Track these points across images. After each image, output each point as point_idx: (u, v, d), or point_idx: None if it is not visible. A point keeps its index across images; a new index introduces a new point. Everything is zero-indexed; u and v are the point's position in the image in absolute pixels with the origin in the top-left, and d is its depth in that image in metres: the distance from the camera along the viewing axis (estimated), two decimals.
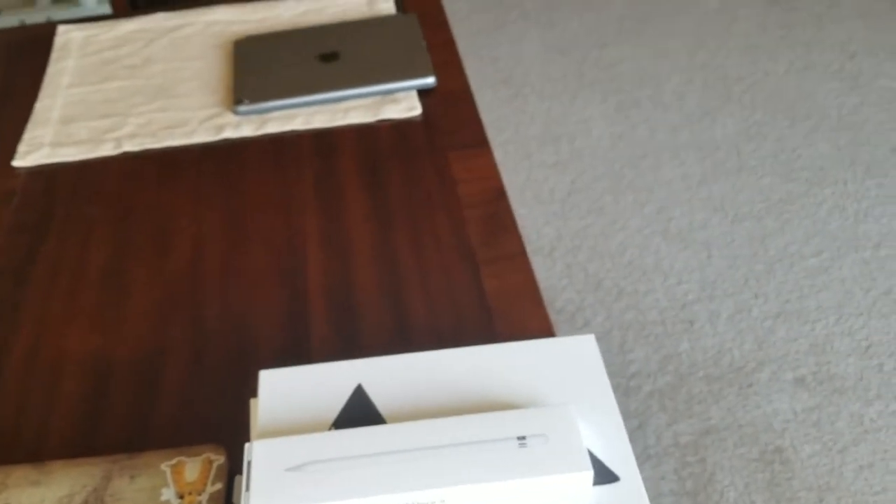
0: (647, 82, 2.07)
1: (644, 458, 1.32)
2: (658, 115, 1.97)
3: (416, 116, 0.84)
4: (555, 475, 0.44)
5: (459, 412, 0.49)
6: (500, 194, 0.74)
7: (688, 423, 1.36)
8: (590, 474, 0.44)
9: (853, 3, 2.28)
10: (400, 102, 0.84)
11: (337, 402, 0.50)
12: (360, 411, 0.49)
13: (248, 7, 1.00)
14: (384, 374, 0.51)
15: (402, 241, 0.70)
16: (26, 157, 0.81)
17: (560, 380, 0.51)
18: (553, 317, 1.54)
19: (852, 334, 1.47)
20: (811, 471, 1.29)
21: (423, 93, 0.86)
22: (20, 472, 0.51)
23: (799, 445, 1.32)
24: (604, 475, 0.46)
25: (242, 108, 0.83)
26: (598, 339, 1.49)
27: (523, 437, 0.46)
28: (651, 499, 1.26)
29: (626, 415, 1.38)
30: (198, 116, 0.84)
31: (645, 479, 1.29)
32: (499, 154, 1.90)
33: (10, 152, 0.82)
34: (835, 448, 1.32)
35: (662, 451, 1.32)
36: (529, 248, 1.68)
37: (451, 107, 0.85)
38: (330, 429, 0.49)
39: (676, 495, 1.26)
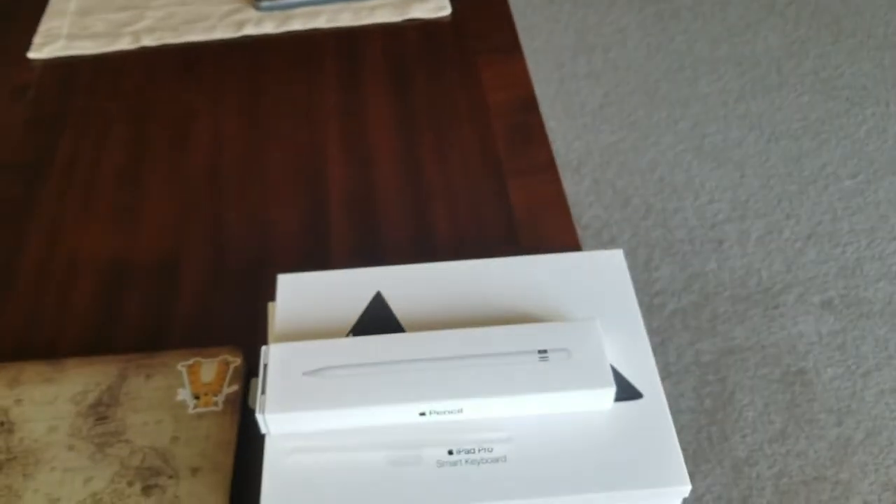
0: None
1: (664, 375, 1.31)
2: (698, 26, 1.89)
3: (445, 17, 0.80)
4: (576, 391, 0.43)
5: (480, 324, 0.48)
6: (530, 104, 0.71)
7: (710, 342, 1.34)
8: (612, 390, 0.43)
9: None
10: (428, 1, 0.81)
11: (355, 309, 0.49)
12: (378, 319, 0.48)
13: None
14: (404, 283, 0.50)
15: (427, 148, 0.68)
16: (42, 48, 0.78)
17: (586, 295, 0.49)
18: (579, 232, 1.52)
19: (883, 259, 1.44)
20: (832, 394, 1.28)
21: None
22: (34, 369, 0.50)
23: (822, 368, 1.31)
24: (626, 391, 0.45)
25: (265, 3, 0.80)
26: (624, 256, 1.47)
27: (545, 351, 0.44)
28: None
29: (649, 332, 1.37)
30: (218, 11, 0.81)
31: None
32: (530, 63, 1.85)
33: (26, 43, 0.80)
34: (857, 372, 1.30)
35: (683, 368, 1.32)
36: (557, 162, 1.64)
37: (483, 8, 0.81)
38: (348, 335, 0.47)
39: (695, 413, 1.26)
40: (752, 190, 1.55)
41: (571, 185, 1.60)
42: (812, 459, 1.21)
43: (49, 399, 0.49)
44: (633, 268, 1.45)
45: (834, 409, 1.26)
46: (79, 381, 0.50)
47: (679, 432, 1.24)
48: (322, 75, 0.75)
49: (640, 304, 1.40)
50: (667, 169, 1.60)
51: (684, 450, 1.24)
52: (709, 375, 1.31)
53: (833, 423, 1.25)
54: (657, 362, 1.33)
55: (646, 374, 0.46)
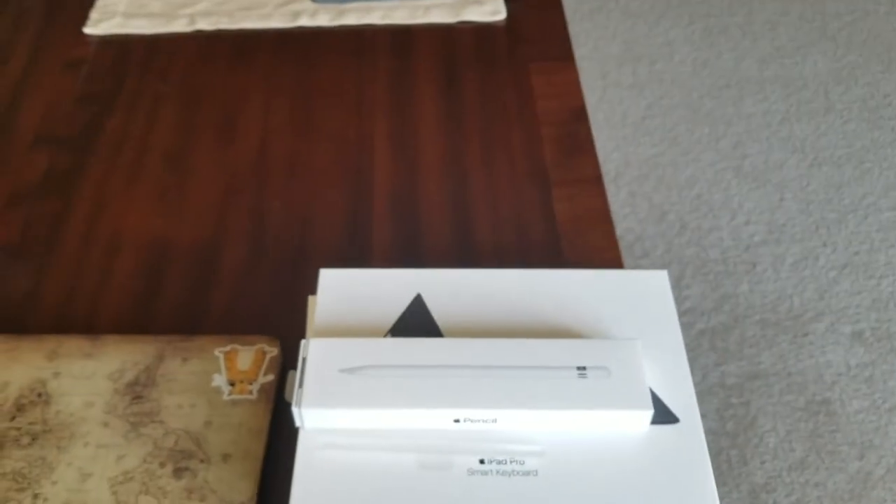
0: (738, 8, 1.96)
1: None
2: (746, 44, 1.87)
3: (499, 21, 0.80)
4: (613, 410, 0.42)
5: (519, 334, 0.48)
6: (580, 114, 0.71)
7: (736, 366, 1.33)
8: (649, 413, 0.43)
9: None
10: (484, 4, 0.80)
11: (395, 309, 0.49)
12: (417, 321, 0.48)
13: None
14: (445, 287, 0.50)
15: (473, 152, 0.68)
16: (98, 24, 0.79)
17: (627, 314, 0.49)
18: None
19: None
20: (856, 426, 1.26)
21: None
22: (73, 343, 0.51)
23: (847, 400, 1.29)
24: (663, 415, 0.45)
25: None
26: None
27: (584, 368, 0.44)
28: None
29: None
30: (274, 0, 0.81)
31: None
32: None
33: (82, 18, 0.81)
34: (883, 406, 1.28)
35: (707, 389, 1.31)
36: None
37: (538, 14, 0.81)
38: (386, 335, 0.47)
39: (716, 434, 1.25)
40: (790, 214, 1.54)
41: (607, 196, 1.59)
42: (830, 491, 1.19)
43: (87, 374, 0.49)
44: None
45: (857, 442, 1.25)
46: (117, 359, 0.50)
47: None
48: (373, 71, 0.75)
49: None
50: (705, 186, 1.58)
51: None
52: (732, 398, 1.29)
53: (855, 456, 1.23)
54: None
55: (683, 399, 0.45)
